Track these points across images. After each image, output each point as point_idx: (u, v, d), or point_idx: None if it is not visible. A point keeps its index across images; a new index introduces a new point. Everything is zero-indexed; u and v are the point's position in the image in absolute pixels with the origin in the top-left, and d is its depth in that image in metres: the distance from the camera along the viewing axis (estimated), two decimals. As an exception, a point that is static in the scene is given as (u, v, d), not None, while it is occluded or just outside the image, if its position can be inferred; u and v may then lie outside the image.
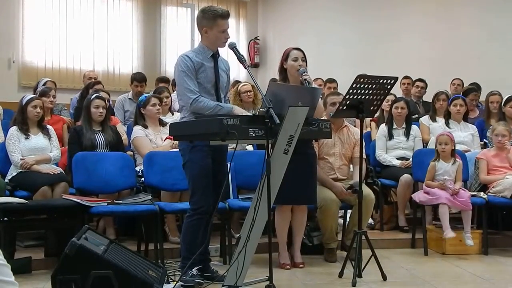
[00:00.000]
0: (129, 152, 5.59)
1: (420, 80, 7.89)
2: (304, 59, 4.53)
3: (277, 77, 4.78)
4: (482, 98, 7.23)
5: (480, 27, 8.49)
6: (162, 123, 5.74)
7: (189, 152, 3.97)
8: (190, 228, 4.02)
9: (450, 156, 5.30)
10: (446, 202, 5.08)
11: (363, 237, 4.26)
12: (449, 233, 5.08)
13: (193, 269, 3.92)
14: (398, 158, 6.00)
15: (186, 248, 4.04)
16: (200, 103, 3.93)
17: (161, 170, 5.05)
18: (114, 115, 6.55)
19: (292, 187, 4.25)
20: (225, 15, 4.01)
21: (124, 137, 5.84)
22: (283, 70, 4.62)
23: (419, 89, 7.85)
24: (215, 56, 4.09)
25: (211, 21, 3.99)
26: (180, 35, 10.06)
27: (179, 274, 4.01)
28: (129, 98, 7.22)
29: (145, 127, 5.60)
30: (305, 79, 4.28)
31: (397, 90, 7.51)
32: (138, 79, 7.34)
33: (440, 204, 5.14)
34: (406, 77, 7.96)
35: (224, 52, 4.15)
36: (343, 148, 5.04)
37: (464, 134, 6.17)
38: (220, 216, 4.93)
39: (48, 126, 5.39)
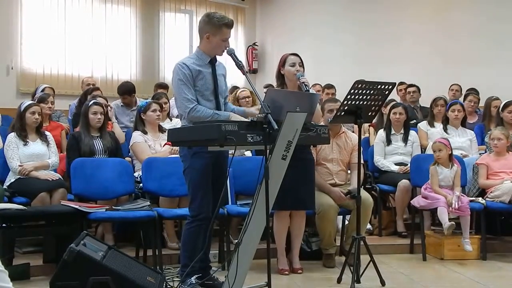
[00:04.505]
0: (128, 158, 5.59)
1: (411, 85, 7.86)
2: (301, 64, 4.54)
3: (274, 83, 4.78)
4: (481, 103, 7.24)
5: (478, 33, 8.51)
6: (161, 129, 5.75)
7: (190, 158, 3.92)
8: (190, 235, 3.97)
9: (448, 162, 5.30)
10: (444, 206, 5.07)
11: (362, 242, 4.26)
12: (448, 226, 4.98)
13: (192, 278, 3.88)
14: (396, 164, 6.01)
15: (186, 256, 3.97)
16: (198, 112, 3.89)
17: (159, 176, 5.05)
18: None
19: (290, 193, 4.26)
20: (231, 25, 3.99)
21: (121, 136, 5.92)
22: (280, 76, 4.63)
23: (411, 94, 7.80)
24: (213, 61, 4.06)
25: (215, 28, 3.95)
26: (178, 41, 10.09)
27: (178, 280, 4.00)
28: (121, 105, 7.21)
29: (145, 132, 5.60)
30: (303, 82, 4.28)
31: (395, 96, 7.53)
32: (119, 92, 7.14)
33: (438, 207, 5.13)
34: (402, 83, 7.99)
35: (223, 58, 4.15)
36: (341, 154, 5.05)
37: (462, 140, 6.18)
38: (218, 222, 4.93)
39: (47, 133, 5.40)
